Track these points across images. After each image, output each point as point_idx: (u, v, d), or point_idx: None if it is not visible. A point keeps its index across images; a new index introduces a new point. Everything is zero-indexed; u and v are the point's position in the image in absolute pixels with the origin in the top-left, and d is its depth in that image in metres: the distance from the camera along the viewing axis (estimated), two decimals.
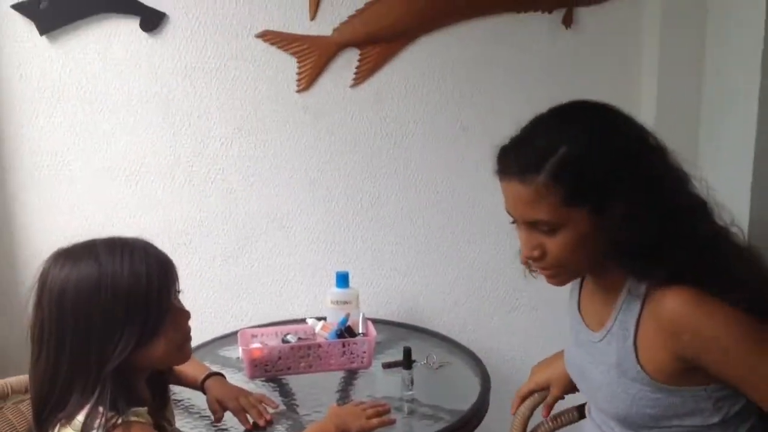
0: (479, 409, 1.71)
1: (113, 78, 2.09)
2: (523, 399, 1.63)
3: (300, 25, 2.12)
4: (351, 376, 1.89)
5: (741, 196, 1.88)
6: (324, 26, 2.13)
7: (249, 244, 2.24)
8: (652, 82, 2.17)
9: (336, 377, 1.88)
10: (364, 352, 1.89)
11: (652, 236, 1.15)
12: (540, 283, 2.33)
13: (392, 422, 1.58)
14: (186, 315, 1.26)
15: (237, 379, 1.82)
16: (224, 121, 2.15)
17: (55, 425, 1.13)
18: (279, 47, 2.12)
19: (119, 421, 1.12)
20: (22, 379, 1.48)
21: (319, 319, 2.01)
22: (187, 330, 1.27)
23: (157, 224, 2.18)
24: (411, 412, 1.72)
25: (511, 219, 1.26)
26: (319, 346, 1.88)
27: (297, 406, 1.75)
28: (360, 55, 2.17)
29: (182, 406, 1.71)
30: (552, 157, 1.15)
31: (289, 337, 1.93)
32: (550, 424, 1.69)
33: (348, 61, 2.17)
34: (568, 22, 2.20)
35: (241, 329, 1.98)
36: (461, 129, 2.27)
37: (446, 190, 2.30)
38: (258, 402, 1.65)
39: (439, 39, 2.20)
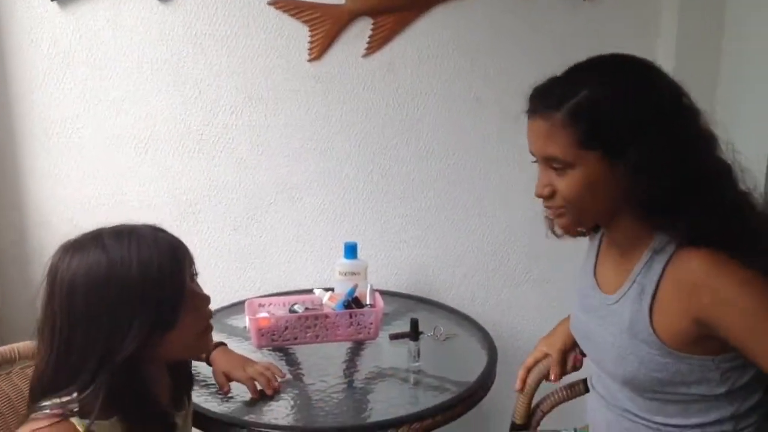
0: (485, 381, 1.70)
1: (123, 45, 2.08)
2: (529, 369, 1.63)
3: None
4: (358, 346, 1.89)
5: (758, 166, 1.85)
6: None
7: (258, 214, 2.23)
8: (669, 54, 2.13)
9: (343, 348, 1.88)
10: (371, 323, 1.88)
11: (668, 191, 1.17)
12: (550, 256, 2.37)
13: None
14: (205, 300, 1.24)
15: (243, 348, 1.83)
16: (234, 89, 2.13)
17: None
18: (291, 15, 2.10)
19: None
20: (29, 344, 1.48)
21: (326, 289, 2.00)
22: (208, 315, 1.25)
23: (167, 193, 2.18)
24: (417, 383, 1.72)
25: (533, 159, 1.30)
26: (326, 316, 1.87)
27: (303, 375, 1.75)
28: (373, 24, 2.14)
29: None
30: (574, 98, 1.19)
31: (296, 307, 1.93)
32: (556, 396, 1.69)
33: (361, 30, 2.14)
34: None
35: (248, 299, 1.98)
36: (475, 100, 2.25)
37: (458, 162, 2.28)
38: (266, 369, 1.66)
39: (454, 9, 2.16)
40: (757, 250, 1.16)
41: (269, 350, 1.85)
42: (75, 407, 1.11)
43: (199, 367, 1.68)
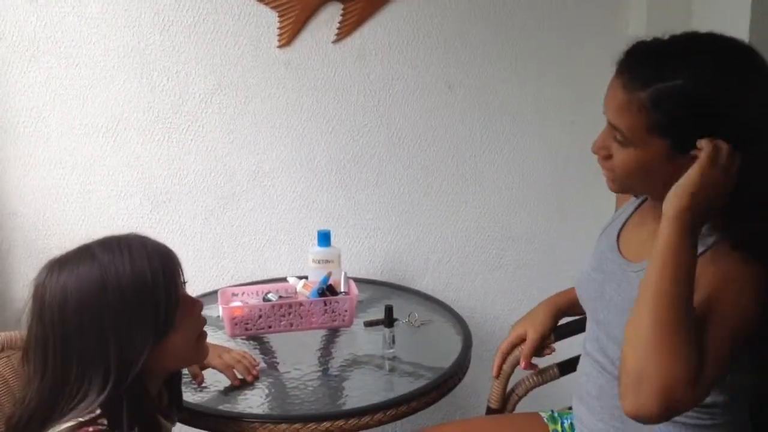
0: (460, 367, 1.70)
1: (89, 32, 2.04)
2: (505, 355, 1.63)
3: None
4: (333, 334, 1.88)
5: None
6: None
7: (230, 202, 2.21)
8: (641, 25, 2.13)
9: (317, 335, 1.87)
10: (346, 311, 1.88)
11: (737, 198, 1.12)
12: (524, 241, 2.37)
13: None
14: (198, 305, 1.26)
15: (217, 337, 1.81)
16: (203, 76, 2.11)
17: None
18: (259, 1, 2.07)
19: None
20: (17, 335, 1.46)
21: (300, 278, 1.99)
22: (202, 321, 1.27)
23: (136, 182, 2.15)
24: (392, 370, 1.72)
25: (604, 112, 1.24)
26: (301, 304, 1.86)
27: (278, 363, 1.74)
28: (343, 9, 2.12)
29: None
30: (662, 83, 1.13)
31: (270, 296, 1.91)
32: (529, 382, 1.69)
33: (331, 15, 2.12)
34: None
35: (221, 288, 1.96)
36: (446, 86, 2.24)
37: (431, 148, 2.27)
38: (242, 357, 1.65)
39: None
40: None
41: (243, 339, 1.84)
42: (103, 422, 1.09)
43: None
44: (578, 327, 1.59)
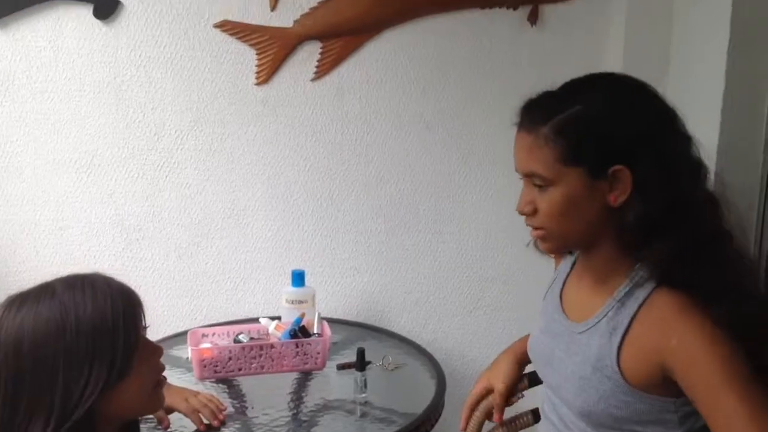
0: (433, 412, 1.67)
1: (65, 67, 2.02)
2: (472, 408, 1.59)
3: (260, 15, 2.06)
4: (305, 377, 1.85)
5: None
6: (285, 17, 2.07)
7: (204, 240, 2.18)
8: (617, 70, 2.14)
9: (289, 378, 1.83)
10: (318, 353, 1.84)
11: (651, 216, 1.14)
12: (502, 282, 2.35)
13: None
14: (158, 351, 1.21)
15: (186, 380, 1.78)
16: (180, 113, 2.09)
17: None
18: (238, 38, 2.06)
19: None
20: None
21: (273, 318, 1.96)
22: (160, 368, 1.21)
23: (110, 218, 2.12)
24: (363, 415, 1.68)
25: (518, 175, 1.26)
26: (272, 346, 1.83)
27: (247, 408, 1.70)
28: (322, 48, 2.11)
29: None
30: (562, 113, 1.16)
31: (241, 337, 1.88)
32: (504, 429, 1.66)
33: (309, 53, 2.12)
34: (533, 19, 2.17)
35: (192, 328, 1.92)
36: (425, 126, 2.23)
37: (408, 188, 2.26)
38: (209, 401, 1.61)
39: (403, 33, 2.15)
40: (722, 293, 1.12)
41: (212, 382, 1.80)
42: None
43: None
44: None
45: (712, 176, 1.23)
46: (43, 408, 1.06)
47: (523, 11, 2.17)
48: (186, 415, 1.58)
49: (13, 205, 2.08)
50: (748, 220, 1.88)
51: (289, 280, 2.00)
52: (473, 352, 2.38)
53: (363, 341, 1.96)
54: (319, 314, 1.94)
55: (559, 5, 2.17)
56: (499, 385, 1.55)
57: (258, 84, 2.11)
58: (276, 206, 2.19)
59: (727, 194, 1.22)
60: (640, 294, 1.19)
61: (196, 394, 1.63)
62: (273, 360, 1.82)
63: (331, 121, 2.18)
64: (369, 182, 2.23)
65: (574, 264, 1.41)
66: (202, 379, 1.79)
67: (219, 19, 2.05)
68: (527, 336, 1.56)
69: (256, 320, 2.00)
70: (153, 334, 1.23)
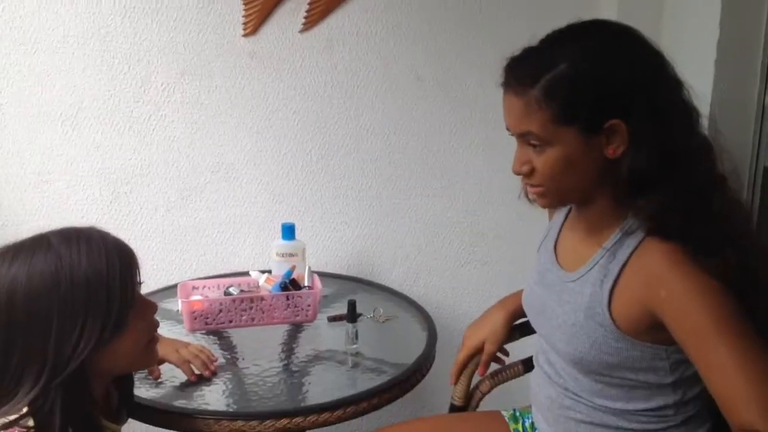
0: (423, 363, 1.67)
1: (48, 17, 1.97)
2: (462, 367, 1.61)
3: None
4: (295, 329, 1.84)
5: None
6: None
7: (193, 194, 2.16)
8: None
9: (280, 330, 1.83)
10: (309, 306, 1.84)
11: (648, 166, 1.13)
12: (493, 236, 2.35)
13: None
14: (152, 307, 1.22)
15: (177, 332, 1.77)
16: (166, 65, 2.05)
17: None
18: None
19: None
20: None
21: (264, 272, 1.95)
22: (155, 324, 1.22)
23: (97, 172, 2.09)
24: (354, 366, 1.68)
25: (509, 132, 1.24)
26: (262, 298, 1.82)
27: (237, 359, 1.70)
28: None
29: None
30: (549, 73, 1.14)
31: (231, 290, 1.87)
32: (493, 380, 1.67)
33: (297, 4, 2.08)
34: None
35: (182, 281, 1.91)
36: (416, 79, 2.20)
37: (399, 141, 2.24)
38: (199, 351, 1.61)
39: None
40: (718, 243, 1.13)
41: (203, 334, 1.79)
42: (29, 422, 1.05)
43: None
44: None
45: (705, 122, 1.22)
46: (36, 360, 1.06)
47: None
48: (177, 365, 1.57)
49: None
50: (742, 175, 1.88)
51: (279, 234, 1.99)
52: (464, 306, 2.38)
53: (354, 294, 1.95)
54: (309, 267, 1.93)
55: None
56: (489, 346, 1.57)
57: (245, 35, 2.07)
58: (265, 159, 2.17)
59: (721, 140, 1.21)
60: (631, 242, 1.19)
61: (186, 345, 1.62)
62: (264, 312, 1.82)
63: (320, 74, 2.15)
64: (359, 135, 2.21)
65: (567, 216, 1.40)
66: (192, 330, 1.78)
67: None
68: (518, 291, 1.57)
69: (246, 273, 1.99)
70: (143, 288, 1.23)
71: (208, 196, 2.17)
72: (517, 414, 1.56)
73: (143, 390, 1.53)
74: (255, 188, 2.19)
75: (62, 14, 1.98)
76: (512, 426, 1.54)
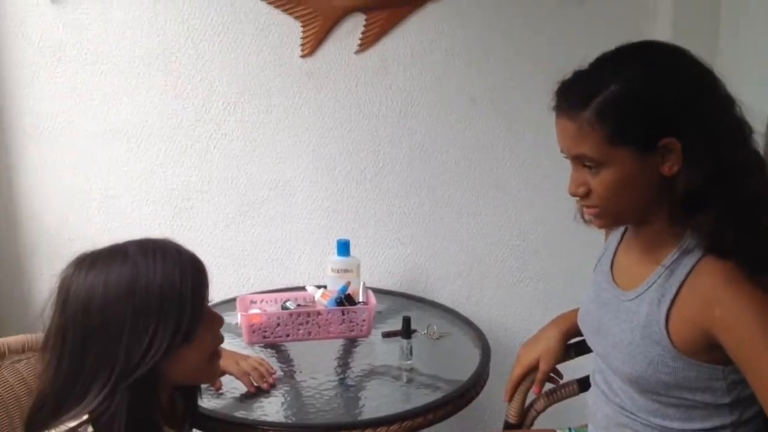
0: (478, 380, 1.69)
1: (115, 39, 2.06)
2: (517, 385, 1.61)
3: None
4: (350, 344, 1.88)
5: None
6: None
7: (251, 210, 2.21)
8: None
9: (335, 345, 1.86)
10: (364, 321, 1.87)
11: (703, 184, 1.14)
12: (544, 254, 2.35)
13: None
14: (219, 321, 1.25)
15: (235, 344, 1.81)
16: (227, 85, 2.12)
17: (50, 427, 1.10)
18: (283, 10, 2.08)
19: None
20: (20, 339, 1.49)
21: (319, 287, 1.99)
22: (220, 338, 1.26)
23: (159, 188, 2.16)
24: (409, 381, 1.70)
25: (563, 155, 1.26)
26: (319, 313, 1.86)
27: (295, 372, 1.73)
28: (366, 20, 2.12)
29: None
30: (600, 95, 1.16)
31: (288, 304, 1.91)
32: (548, 398, 1.67)
33: (354, 26, 2.13)
34: None
35: (240, 295, 1.96)
36: (469, 100, 2.23)
37: (451, 160, 2.27)
38: (259, 365, 1.65)
39: (448, 6, 2.15)
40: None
41: (261, 347, 1.83)
42: (89, 429, 1.08)
43: None
44: None
45: (759, 139, 1.22)
46: (108, 364, 1.10)
47: None
48: (237, 377, 1.62)
49: (65, 175, 2.13)
50: None
51: (335, 250, 2.02)
52: (516, 325, 2.39)
53: (407, 311, 1.98)
54: (363, 283, 1.96)
55: None
56: (544, 364, 1.57)
57: (303, 56, 2.12)
58: (321, 177, 2.22)
59: None
60: (689, 262, 1.19)
61: (246, 357, 1.66)
62: (320, 327, 1.85)
63: (375, 93, 2.19)
64: (413, 154, 2.24)
65: (623, 235, 1.41)
66: (251, 343, 1.83)
67: None
68: (573, 310, 1.57)
69: (302, 288, 2.03)
70: None
71: (265, 212, 2.22)
72: None
73: (205, 400, 1.56)
74: (311, 205, 2.24)
75: (128, 36, 2.06)
76: None
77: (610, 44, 1.25)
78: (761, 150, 1.22)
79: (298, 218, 2.24)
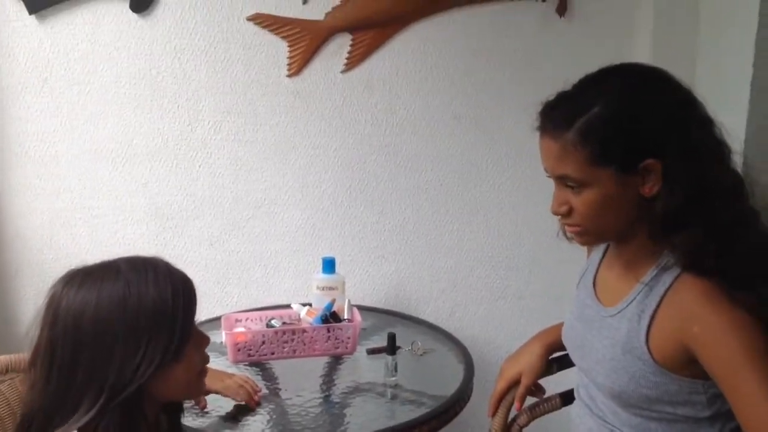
0: (462, 396, 1.71)
1: (102, 59, 2.07)
2: (500, 399, 1.62)
3: (292, 8, 2.11)
4: (335, 361, 1.89)
5: None
6: (316, 10, 2.12)
7: (236, 228, 2.23)
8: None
9: (320, 362, 1.87)
10: (349, 338, 1.88)
11: (683, 204, 1.16)
12: (527, 270, 2.38)
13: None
14: (206, 340, 1.25)
15: (220, 363, 1.82)
16: (213, 104, 2.14)
17: None
18: (270, 30, 2.11)
19: None
20: (3, 359, 1.49)
21: (304, 304, 2.00)
22: (206, 357, 1.25)
23: (144, 207, 2.17)
24: (394, 398, 1.72)
25: (547, 174, 1.28)
26: (304, 331, 1.87)
27: (280, 390, 1.74)
28: (352, 40, 2.15)
29: None
30: (583, 116, 1.18)
31: (273, 322, 1.92)
32: (531, 413, 1.69)
33: (339, 46, 2.16)
34: (561, 10, 2.20)
35: (225, 314, 1.97)
36: (453, 118, 2.26)
37: (436, 178, 2.29)
38: (244, 382, 1.65)
39: (432, 26, 2.19)
40: (754, 278, 1.15)
41: (246, 365, 1.84)
42: None
43: None
44: None
45: (737, 158, 1.25)
46: (98, 381, 1.10)
47: (551, 2, 2.20)
48: (223, 394, 1.62)
49: (50, 194, 2.13)
50: None
51: (320, 268, 2.04)
52: (499, 340, 2.41)
53: (392, 327, 1.98)
54: (349, 301, 1.98)
55: None
56: (525, 379, 1.58)
57: (290, 76, 2.15)
58: (306, 195, 2.24)
59: (754, 176, 1.24)
60: (667, 279, 1.21)
61: (231, 375, 1.67)
62: (305, 344, 1.86)
63: (360, 112, 2.21)
64: (397, 172, 2.27)
65: (605, 252, 1.43)
66: (236, 362, 1.83)
67: (252, 11, 2.09)
68: (556, 325, 1.59)
69: (287, 306, 2.04)
70: None
71: (251, 230, 2.23)
72: None
73: (190, 419, 1.57)
74: (296, 223, 2.25)
75: (114, 56, 2.07)
76: None
77: (591, 63, 1.27)
78: (739, 170, 1.25)
79: (284, 236, 2.26)
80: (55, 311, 1.12)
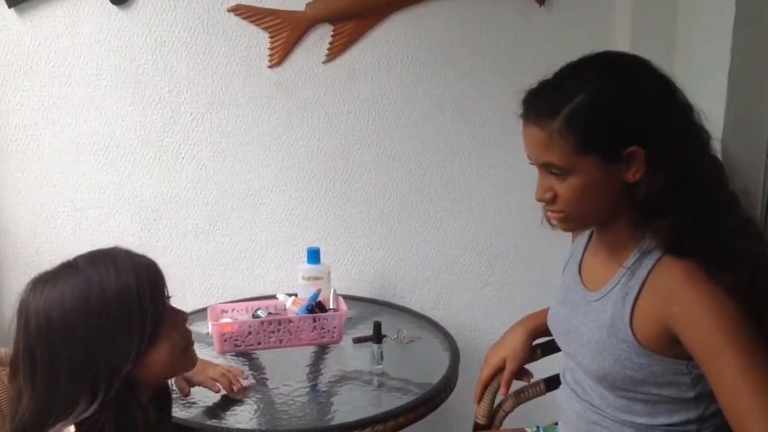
0: (448, 383, 1.72)
1: (82, 52, 2.06)
2: (485, 386, 1.65)
3: None
4: (322, 350, 1.90)
5: None
6: (297, 1, 2.11)
7: (220, 220, 2.23)
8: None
9: (307, 352, 1.89)
10: (335, 327, 1.89)
11: (664, 190, 1.18)
12: (512, 258, 2.40)
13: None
14: (183, 316, 1.26)
15: (206, 353, 1.82)
16: (195, 96, 2.13)
17: None
18: (251, 21, 2.10)
19: None
20: (4, 351, 1.50)
21: (290, 295, 2.01)
22: (188, 332, 1.26)
23: (127, 200, 2.17)
24: (380, 386, 1.73)
25: (530, 161, 1.30)
26: (290, 320, 1.88)
27: (267, 379, 1.75)
28: (333, 30, 2.15)
29: None
30: (568, 104, 1.20)
31: (259, 312, 1.93)
32: (516, 398, 1.71)
33: (321, 36, 2.16)
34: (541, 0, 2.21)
35: (211, 305, 1.98)
36: (435, 107, 2.27)
37: (419, 167, 2.30)
38: (227, 372, 1.66)
39: (413, 16, 2.19)
40: (731, 260, 1.17)
41: (232, 356, 1.85)
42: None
43: None
44: None
45: (717, 144, 1.27)
46: (85, 378, 1.10)
47: None
48: (205, 385, 1.63)
49: (32, 188, 2.12)
50: (754, 194, 1.92)
51: (305, 258, 2.05)
52: (484, 326, 2.43)
53: (377, 316, 2.00)
54: (334, 290, 1.99)
55: None
56: (510, 365, 1.60)
57: (271, 67, 2.15)
58: (290, 186, 2.24)
59: (733, 161, 1.26)
60: (649, 262, 1.24)
61: (215, 365, 1.67)
62: (291, 334, 1.87)
63: (342, 103, 2.22)
64: (381, 162, 2.27)
65: (590, 237, 1.45)
66: (222, 353, 1.84)
67: (233, 3, 2.09)
68: (540, 311, 1.61)
69: (273, 297, 2.04)
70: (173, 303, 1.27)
71: (235, 222, 2.24)
72: (542, 431, 1.60)
73: (176, 410, 1.57)
74: (281, 214, 2.26)
75: (96, 49, 2.06)
76: None
77: (571, 52, 1.29)
78: (719, 155, 1.27)
79: (268, 227, 2.26)
80: (26, 316, 1.13)
